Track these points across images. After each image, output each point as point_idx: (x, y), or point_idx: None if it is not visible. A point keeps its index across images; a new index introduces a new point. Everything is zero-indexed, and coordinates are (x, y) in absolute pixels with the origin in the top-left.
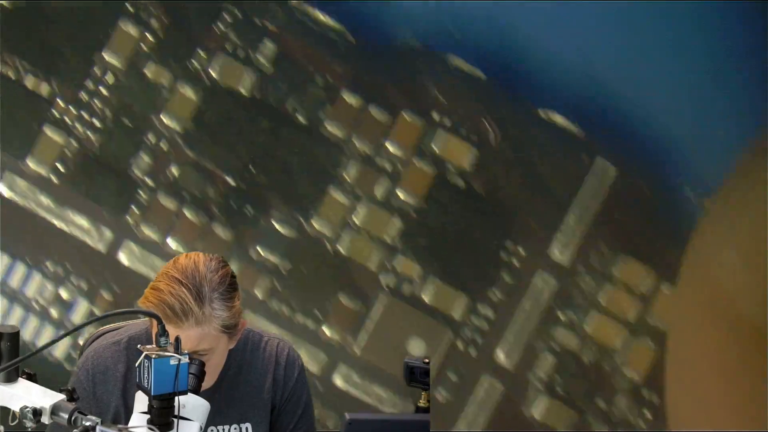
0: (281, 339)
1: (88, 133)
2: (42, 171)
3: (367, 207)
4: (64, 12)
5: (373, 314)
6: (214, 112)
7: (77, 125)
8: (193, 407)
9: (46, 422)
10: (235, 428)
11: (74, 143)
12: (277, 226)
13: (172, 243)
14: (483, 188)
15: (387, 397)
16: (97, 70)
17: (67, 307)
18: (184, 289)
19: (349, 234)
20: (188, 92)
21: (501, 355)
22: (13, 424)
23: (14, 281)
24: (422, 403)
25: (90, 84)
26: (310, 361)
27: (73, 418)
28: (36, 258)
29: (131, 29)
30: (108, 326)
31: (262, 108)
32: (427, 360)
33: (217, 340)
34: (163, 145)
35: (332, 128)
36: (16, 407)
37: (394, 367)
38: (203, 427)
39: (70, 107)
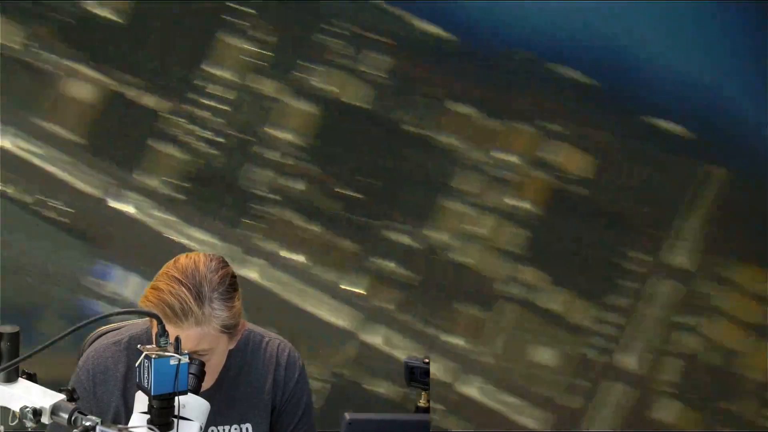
0: (282, 340)
1: (203, 147)
2: (158, 186)
3: (488, 217)
4: (175, 26)
5: (500, 323)
6: (330, 125)
7: (191, 139)
8: (193, 407)
9: (46, 422)
10: (236, 429)
11: (189, 157)
12: (397, 237)
13: (286, 255)
14: (599, 196)
15: (516, 404)
16: (207, 85)
17: None
18: (184, 289)
19: (473, 244)
20: (303, 105)
21: (627, 360)
22: (13, 424)
23: (128, 292)
24: (422, 403)
25: (204, 99)
26: (439, 370)
27: (73, 418)
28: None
29: (246, 43)
30: (108, 326)
31: (378, 119)
32: (427, 360)
33: (217, 341)
34: (279, 158)
35: (446, 138)
36: (16, 407)
37: (523, 376)
38: (203, 427)
39: (183, 121)
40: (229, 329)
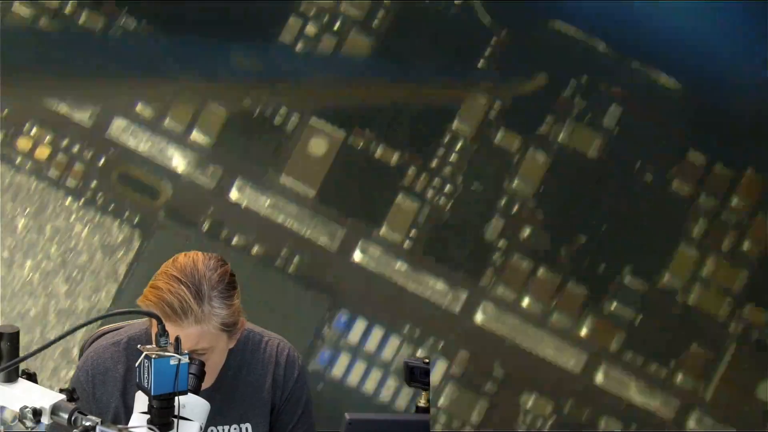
0: (282, 339)
1: (441, 199)
2: (396, 238)
3: (714, 260)
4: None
5: (724, 361)
6: (563, 174)
7: (429, 192)
8: (193, 407)
9: (46, 422)
10: (235, 428)
11: (426, 210)
12: (629, 280)
13: (526, 301)
14: None
15: None
16: (447, 138)
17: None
18: (183, 287)
19: (698, 286)
20: (538, 156)
21: None
22: (12, 424)
23: (371, 346)
24: (422, 403)
25: (440, 151)
26: (662, 407)
27: (73, 418)
28: (393, 322)
29: (480, 99)
30: (108, 326)
31: (609, 168)
32: (427, 360)
33: (217, 339)
34: (515, 208)
35: (679, 185)
36: (16, 407)
37: (747, 411)
38: (203, 427)
39: (422, 175)
40: (228, 327)
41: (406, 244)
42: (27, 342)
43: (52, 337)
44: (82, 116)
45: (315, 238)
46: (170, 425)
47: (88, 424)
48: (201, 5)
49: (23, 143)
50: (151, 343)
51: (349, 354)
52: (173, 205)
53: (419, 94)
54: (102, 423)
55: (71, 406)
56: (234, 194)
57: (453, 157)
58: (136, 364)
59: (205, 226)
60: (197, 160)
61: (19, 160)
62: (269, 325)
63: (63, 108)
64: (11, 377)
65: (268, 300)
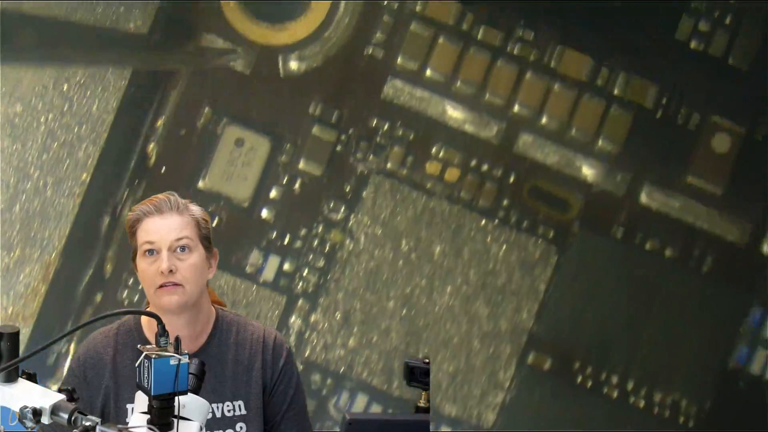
0: (267, 326)
1: None
2: None
3: None
4: None
5: None
6: None
7: None
8: (193, 407)
9: (46, 422)
10: (228, 406)
11: None
12: None
13: None
14: None
15: None
16: None
17: None
18: (162, 194)
19: None
20: None
21: None
22: (12, 424)
23: None
24: (422, 403)
25: None
26: None
27: (73, 418)
28: None
29: None
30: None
31: None
32: (427, 360)
33: (196, 236)
34: None
35: None
36: (16, 407)
37: None
38: (203, 427)
39: None
40: (204, 230)
41: None
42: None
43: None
44: (488, 134)
45: (725, 235)
46: (170, 425)
47: (88, 424)
48: None
49: (432, 167)
50: (140, 330)
51: (766, 350)
52: (586, 216)
53: None
54: (102, 423)
55: (71, 406)
56: (644, 198)
57: None
58: (136, 364)
59: (619, 233)
60: (606, 168)
61: (429, 184)
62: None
63: (469, 128)
64: (11, 377)
65: (683, 303)
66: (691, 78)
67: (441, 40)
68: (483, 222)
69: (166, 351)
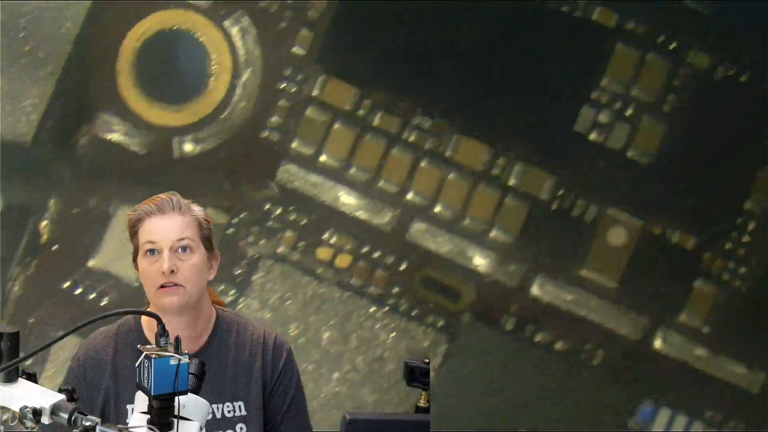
0: (267, 326)
1: (737, 282)
2: (696, 324)
3: None
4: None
5: None
6: None
7: (725, 275)
8: (193, 407)
9: (46, 422)
10: (228, 406)
11: (724, 293)
12: None
13: None
14: None
15: None
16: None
17: None
18: (164, 194)
19: None
20: None
21: None
22: (12, 424)
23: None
24: (422, 403)
25: (734, 233)
26: None
27: (73, 418)
28: (696, 409)
29: None
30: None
31: None
32: (427, 360)
33: (197, 237)
34: None
35: None
36: (16, 407)
37: None
38: (203, 427)
39: (718, 259)
40: (205, 231)
41: (706, 329)
42: None
43: None
44: (381, 221)
45: (617, 329)
46: (170, 425)
47: (88, 424)
48: None
49: (323, 253)
50: (140, 330)
51: None
52: (477, 306)
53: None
54: (102, 423)
55: (71, 406)
56: (536, 290)
57: (746, 238)
58: (136, 364)
59: (509, 324)
60: (498, 258)
61: (320, 270)
62: (581, 421)
63: (362, 214)
64: (11, 377)
65: (574, 396)
66: (590, 170)
67: (337, 125)
68: (373, 309)
69: (166, 351)
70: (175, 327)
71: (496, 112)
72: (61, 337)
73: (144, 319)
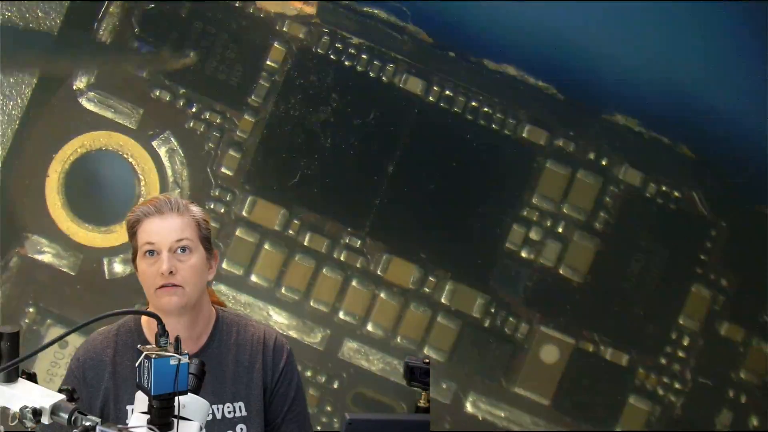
0: (268, 326)
1: (672, 396)
2: None
3: None
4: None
5: None
6: None
7: (659, 390)
8: (193, 407)
9: (46, 422)
10: (228, 407)
11: (658, 409)
12: None
13: None
14: None
15: None
16: (674, 335)
17: None
18: (163, 195)
19: None
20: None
21: None
22: (12, 424)
23: None
24: (422, 403)
25: (668, 348)
26: None
27: (73, 418)
28: None
29: (703, 291)
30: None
31: None
32: (427, 360)
33: (196, 237)
34: (743, 400)
35: None
36: (16, 407)
37: None
38: (203, 428)
39: (652, 374)
40: (204, 231)
41: None
42: None
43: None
44: (313, 339)
45: None
46: (170, 425)
47: (88, 424)
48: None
49: None
50: (140, 330)
51: None
52: None
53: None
54: (102, 423)
55: (71, 406)
56: (469, 407)
57: (681, 353)
58: (137, 364)
59: None
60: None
61: None
62: None
63: (294, 333)
64: (11, 377)
65: None
66: (521, 287)
67: (267, 245)
68: None
69: (166, 351)
70: (174, 327)
71: (425, 230)
72: (61, 337)
73: (144, 319)
